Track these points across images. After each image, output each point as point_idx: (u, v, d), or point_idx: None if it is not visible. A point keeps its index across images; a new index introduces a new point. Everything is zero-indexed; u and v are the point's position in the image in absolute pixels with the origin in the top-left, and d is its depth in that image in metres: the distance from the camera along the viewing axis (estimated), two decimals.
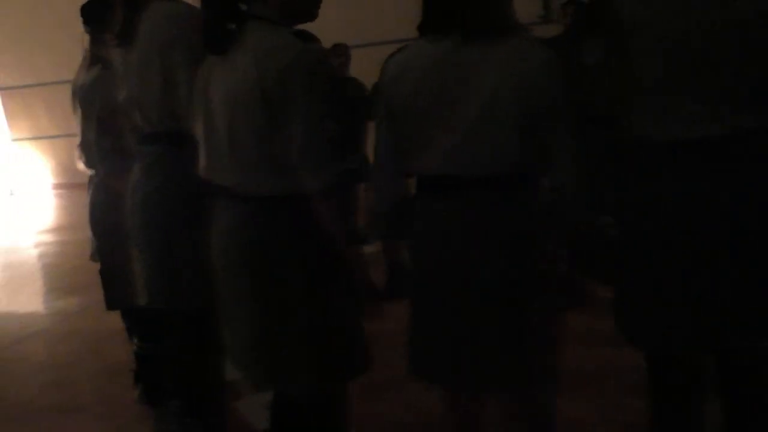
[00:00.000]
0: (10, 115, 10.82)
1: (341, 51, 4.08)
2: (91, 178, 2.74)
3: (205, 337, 2.21)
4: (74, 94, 2.75)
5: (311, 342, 1.61)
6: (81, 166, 2.67)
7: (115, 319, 2.98)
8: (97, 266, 2.75)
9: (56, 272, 5.56)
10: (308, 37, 1.59)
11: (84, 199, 2.70)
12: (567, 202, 1.49)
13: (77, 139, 2.65)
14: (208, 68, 1.64)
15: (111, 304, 2.74)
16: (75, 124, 2.82)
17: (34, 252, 6.47)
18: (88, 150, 2.52)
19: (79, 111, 2.51)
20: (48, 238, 7.02)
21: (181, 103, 1.95)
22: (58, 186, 10.50)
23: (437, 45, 1.47)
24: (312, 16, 1.66)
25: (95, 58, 2.30)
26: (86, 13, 2.48)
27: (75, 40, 2.66)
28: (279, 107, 1.49)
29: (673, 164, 1.45)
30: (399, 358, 1.70)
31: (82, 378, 3.29)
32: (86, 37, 2.72)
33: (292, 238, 1.59)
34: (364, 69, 3.57)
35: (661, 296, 1.51)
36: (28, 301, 4.87)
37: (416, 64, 1.50)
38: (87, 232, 2.76)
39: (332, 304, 1.64)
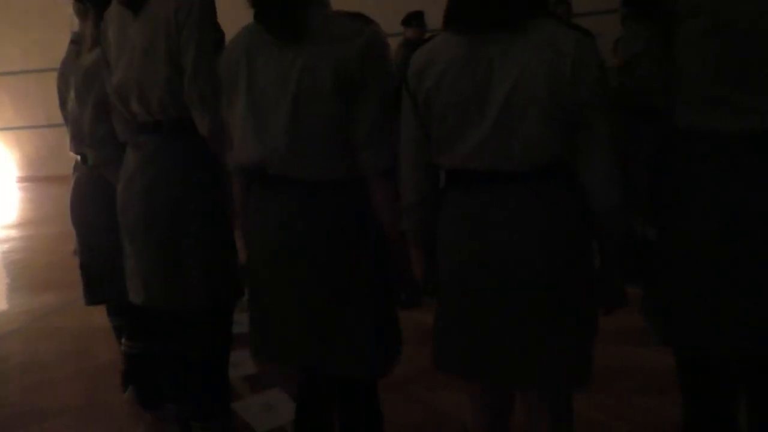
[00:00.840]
0: None
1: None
2: (75, 168, 2.61)
3: (211, 338, 2.11)
4: (63, 78, 2.61)
5: (376, 325, 1.65)
6: (72, 154, 2.54)
7: (99, 317, 2.85)
8: (74, 262, 2.61)
9: (26, 269, 5.35)
10: (367, 20, 1.57)
11: (50, 192, 2.57)
12: (599, 200, 1.44)
13: (61, 129, 2.52)
14: (246, 54, 1.60)
15: (92, 299, 2.58)
16: (59, 112, 2.69)
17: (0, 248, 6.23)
18: (80, 138, 2.39)
19: (72, 95, 2.37)
20: (14, 233, 6.77)
21: (187, 90, 1.87)
22: (22, 179, 10.16)
23: (462, 37, 1.43)
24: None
25: (97, 39, 2.17)
26: None
27: (41, 29, 2.52)
28: (353, 92, 1.52)
29: (722, 157, 1.40)
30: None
31: (66, 379, 3.14)
32: (74, 20, 2.59)
33: (360, 222, 1.62)
34: None
35: (705, 299, 1.46)
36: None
37: (442, 57, 1.46)
38: (56, 227, 2.63)
39: (391, 288, 1.70)
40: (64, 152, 2.77)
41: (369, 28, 1.53)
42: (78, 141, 2.43)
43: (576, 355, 1.52)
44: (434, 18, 5.75)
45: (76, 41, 2.55)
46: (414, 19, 4.84)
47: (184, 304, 2.00)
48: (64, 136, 2.61)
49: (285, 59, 1.54)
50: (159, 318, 2.20)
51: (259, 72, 1.58)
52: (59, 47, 2.84)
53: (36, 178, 9.71)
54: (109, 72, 2.04)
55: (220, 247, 2.02)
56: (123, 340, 2.65)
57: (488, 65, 1.40)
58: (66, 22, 2.66)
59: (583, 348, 1.53)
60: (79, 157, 2.52)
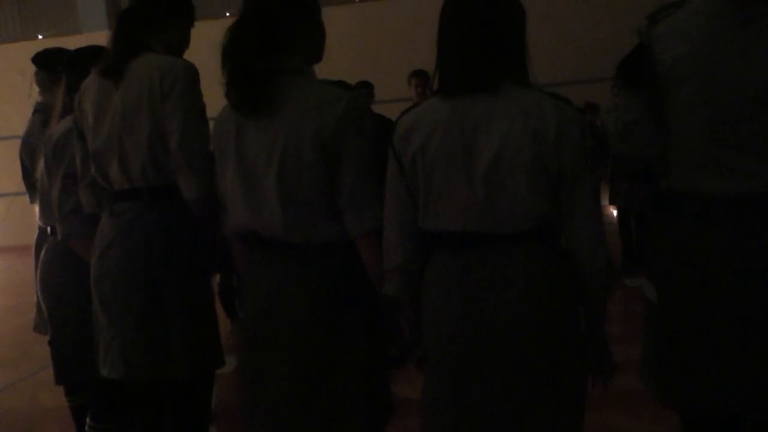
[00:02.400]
0: None
1: (367, 89, 4.69)
2: (39, 241, 2.51)
3: (192, 412, 2.02)
4: (27, 148, 2.54)
5: (371, 385, 1.64)
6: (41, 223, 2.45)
7: (48, 396, 2.67)
8: (26, 338, 2.47)
9: None
10: (347, 86, 1.58)
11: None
12: (585, 261, 1.47)
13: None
14: (235, 124, 1.62)
15: (64, 377, 2.46)
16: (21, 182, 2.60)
17: None
18: (48, 209, 2.31)
19: (41, 166, 2.30)
20: None
21: (174, 153, 1.86)
22: None
23: (450, 101, 1.46)
24: (320, 58, 1.71)
25: (69, 107, 2.13)
26: (53, 60, 2.31)
27: None
28: (335, 155, 1.55)
29: (716, 219, 1.45)
30: None
31: None
32: (35, 89, 2.55)
33: (351, 282, 1.63)
34: None
35: (704, 358, 1.49)
36: None
37: (429, 120, 1.48)
38: (6, 300, 2.49)
39: (381, 350, 1.69)
40: (12, 222, 2.68)
41: (347, 95, 1.57)
42: (47, 213, 2.35)
43: (567, 420, 1.50)
44: (387, 89, 5.97)
45: (40, 111, 2.50)
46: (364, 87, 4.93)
47: (168, 375, 1.92)
48: (11, 205, 2.52)
49: (271, 127, 1.57)
50: (134, 392, 2.09)
51: (245, 141, 1.60)
52: None
53: None
54: (83, 141, 2.01)
55: (204, 316, 1.96)
56: (88, 420, 2.51)
57: (474, 128, 1.43)
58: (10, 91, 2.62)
59: (573, 413, 1.52)
60: (49, 229, 2.43)
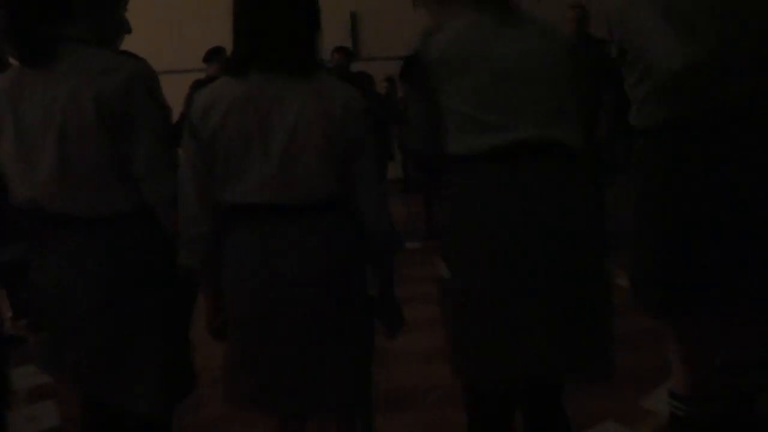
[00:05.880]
0: None
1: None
2: None
3: None
4: None
5: (167, 355, 1.65)
6: None
7: None
8: None
9: None
10: (130, 55, 1.59)
11: None
12: (369, 225, 1.63)
13: None
14: (11, 93, 1.56)
15: None
16: None
17: None
18: None
19: None
20: None
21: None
22: None
23: (243, 81, 1.56)
24: (113, 44, 1.67)
25: None
26: None
27: None
28: (120, 123, 1.52)
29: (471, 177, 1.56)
30: None
31: None
32: None
33: (146, 254, 1.63)
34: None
35: (483, 326, 1.56)
36: None
37: (224, 99, 1.56)
38: None
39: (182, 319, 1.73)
40: None
41: (130, 62, 1.55)
42: None
43: (354, 370, 1.65)
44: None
45: None
46: (215, 54, 4.81)
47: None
48: None
49: (49, 93, 1.52)
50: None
51: (26, 108, 1.54)
52: None
53: None
54: None
55: None
56: None
57: (269, 106, 1.53)
58: None
59: (360, 364, 1.67)
60: None
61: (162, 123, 1.58)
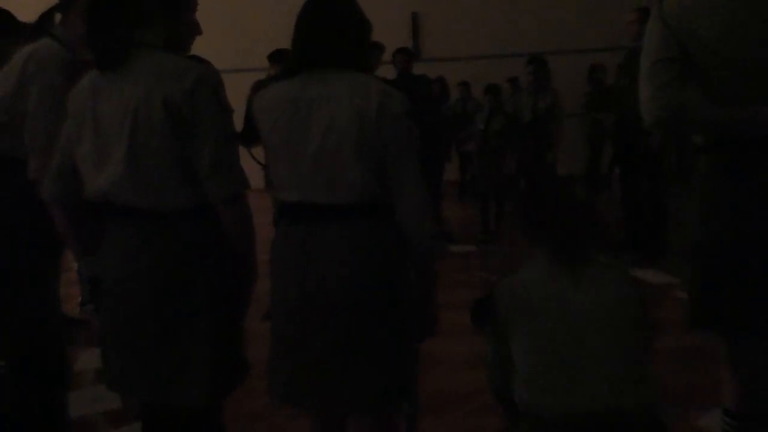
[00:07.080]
0: None
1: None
2: None
3: None
4: None
5: (217, 347, 1.68)
6: None
7: None
8: None
9: None
10: (198, 59, 1.68)
11: None
12: (411, 232, 1.63)
13: None
14: (92, 92, 1.66)
15: None
16: None
17: None
18: None
19: None
20: None
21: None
22: None
23: (291, 82, 1.66)
24: (187, 51, 1.76)
25: None
26: None
27: None
28: (187, 125, 1.58)
29: None
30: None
31: None
32: None
33: (202, 251, 1.68)
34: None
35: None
36: None
37: (273, 101, 1.67)
38: None
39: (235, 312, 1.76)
40: None
41: (198, 67, 1.61)
42: None
43: (386, 381, 1.67)
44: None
45: None
46: (280, 55, 4.87)
47: None
48: None
49: (125, 93, 1.60)
50: None
51: (104, 107, 1.63)
52: None
53: None
54: None
55: None
56: None
57: (309, 106, 1.61)
58: None
59: (390, 375, 1.68)
60: None
61: (225, 124, 1.64)
